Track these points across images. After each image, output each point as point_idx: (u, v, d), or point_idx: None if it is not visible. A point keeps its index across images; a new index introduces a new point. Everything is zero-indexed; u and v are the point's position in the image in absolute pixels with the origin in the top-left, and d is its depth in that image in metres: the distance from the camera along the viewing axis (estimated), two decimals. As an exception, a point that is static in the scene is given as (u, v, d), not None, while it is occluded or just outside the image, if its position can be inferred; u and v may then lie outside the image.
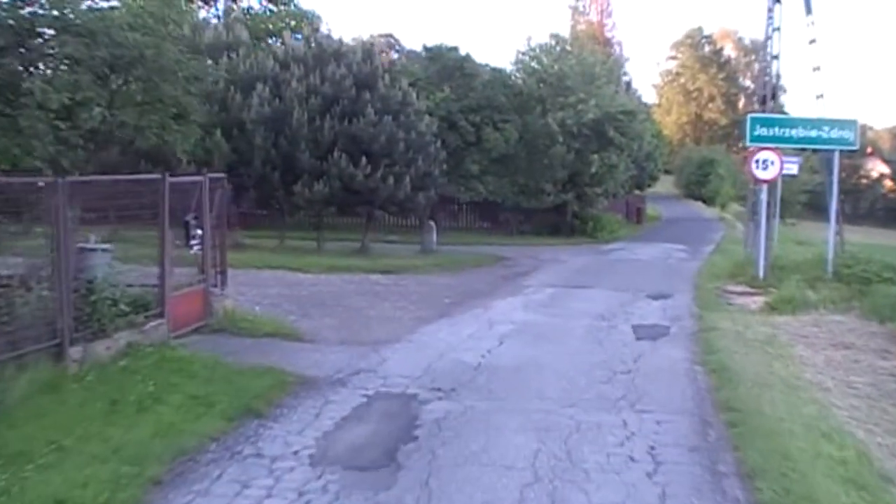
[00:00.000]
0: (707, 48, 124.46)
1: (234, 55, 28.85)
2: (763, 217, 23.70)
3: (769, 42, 25.63)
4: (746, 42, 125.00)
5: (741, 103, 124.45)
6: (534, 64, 42.00)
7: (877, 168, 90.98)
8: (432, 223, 31.15)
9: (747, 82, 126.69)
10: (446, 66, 40.34)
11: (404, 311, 18.08)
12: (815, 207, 67.55)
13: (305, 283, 21.64)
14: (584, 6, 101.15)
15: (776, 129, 23.22)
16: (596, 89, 40.74)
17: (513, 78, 42.37)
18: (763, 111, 25.80)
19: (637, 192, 63.13)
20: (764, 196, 23.86)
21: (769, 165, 23.00)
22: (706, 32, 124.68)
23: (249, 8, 44.89)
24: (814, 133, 23.21)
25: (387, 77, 28.48)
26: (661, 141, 76.05)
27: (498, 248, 34.81)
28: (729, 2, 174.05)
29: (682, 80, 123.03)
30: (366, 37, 40.32)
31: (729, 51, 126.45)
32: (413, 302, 19.36)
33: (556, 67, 41.36)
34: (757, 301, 20.65)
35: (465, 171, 39.71)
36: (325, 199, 27.13)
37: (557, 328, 16.32)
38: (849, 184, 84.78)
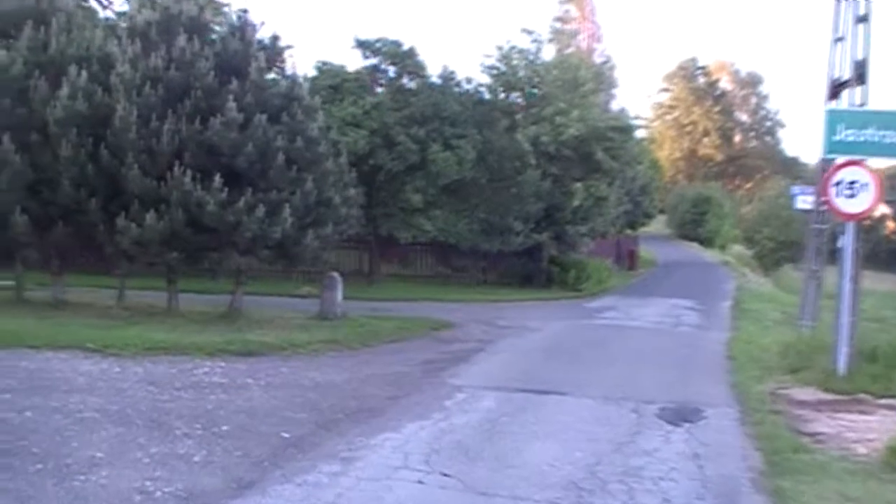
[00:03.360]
0: (702, 80, 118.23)
1: (43, 27, 19.57)
2: (847, 277, 14.34)
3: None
4: (743, 74, 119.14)
5: (737, 139, 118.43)
6: (500, 65, 32.88)
7: (878, 209, 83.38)
8: (335, 275, 21.53)
9: (744, 116, 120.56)
10: (382, 64, 31.25)
11: (175, 470, 8.63)
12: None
13: (61, 388, 12.03)
14: (571, 29, 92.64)
15: (875, 131, 13.85)
16: (580, 99, 31.69)
17: (472, 82, 33.17)
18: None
19: (629, 231, 54.10)
20: (849, 241, 14.40)
21: (860, 190, 13.75)
22: (700, 63, 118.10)
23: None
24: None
25: (262, 58, 19.06)
26: (658, 172, 67.36)
27: (445, 308, 25.67)
28: (724, 33, 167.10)
29: (676, 113, 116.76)
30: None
31: (725, 84, 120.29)
32: (216, 439, 9.87)
33: (528, 70, 32.33)
34: (861, 431, 11.29)
35: (406, 202, 30.50)
36: (161, 239, 17.77)
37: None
38: (849, 225, 77.26)
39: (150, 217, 17.49)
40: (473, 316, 24.19)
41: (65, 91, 18.23)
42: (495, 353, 17.77)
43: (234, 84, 18.43)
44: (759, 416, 12.04)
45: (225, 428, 10.45)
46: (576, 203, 32.88)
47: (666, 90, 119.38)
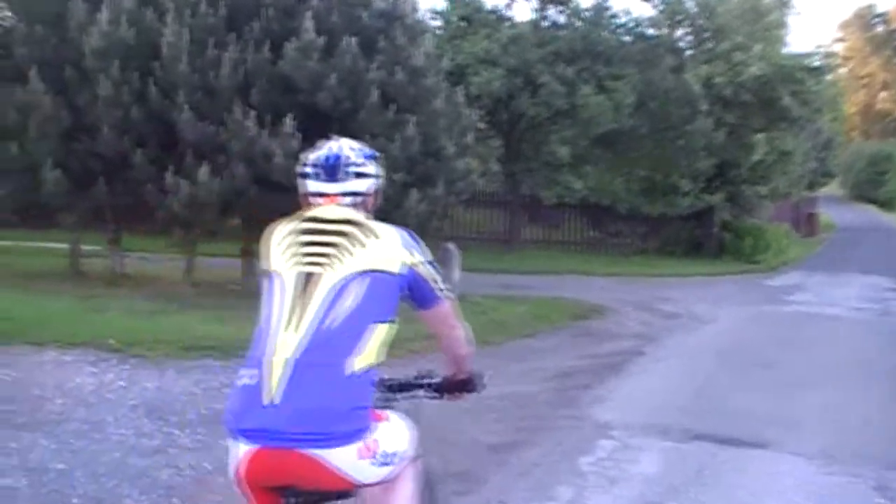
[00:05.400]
0: (880, 28, 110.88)
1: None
2: None
3: None
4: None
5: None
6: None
7: None
8: (451, 247, 17.00)
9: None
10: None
11: None
12: None
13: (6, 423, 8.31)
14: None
15: None
16: (763, 32, 26.62)
17: (630, 14, 28.42)
18: None
19: (806, 192, 48.39)
20: None
21: None
22: (879, 11, 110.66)
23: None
24: None
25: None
26: (842, 125, 61.03)
27: (595, 284, 21.23)
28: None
29: (851, 64, 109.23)
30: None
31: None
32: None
33: (699, -1, 27.48)
34: None
35: (551, 155, 26.10)
36: (220, 201, 13.75)
37: None
38: None
39: (202, 172, 13.42)
40: (630, 296, 19.63)
41: (105, 15, 14.26)
42: (658, 359, 13.11)
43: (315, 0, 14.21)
44: None
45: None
46: (755, 158, 27.83)
47: (840, 40, 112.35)
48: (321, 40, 13.77)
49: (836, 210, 58.43)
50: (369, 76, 14.10)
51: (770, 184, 30.31)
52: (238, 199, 13.84)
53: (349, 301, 3.27)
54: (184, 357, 10.93)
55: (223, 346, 11.35)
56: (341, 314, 3.24)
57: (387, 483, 3.44)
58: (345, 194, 3.69)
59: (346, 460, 3.15)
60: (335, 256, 3.38)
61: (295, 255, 3.42)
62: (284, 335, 3.21)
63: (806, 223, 45.44)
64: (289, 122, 13.34)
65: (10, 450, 7.21)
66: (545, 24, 27.26)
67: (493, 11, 27.08)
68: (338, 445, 3.12)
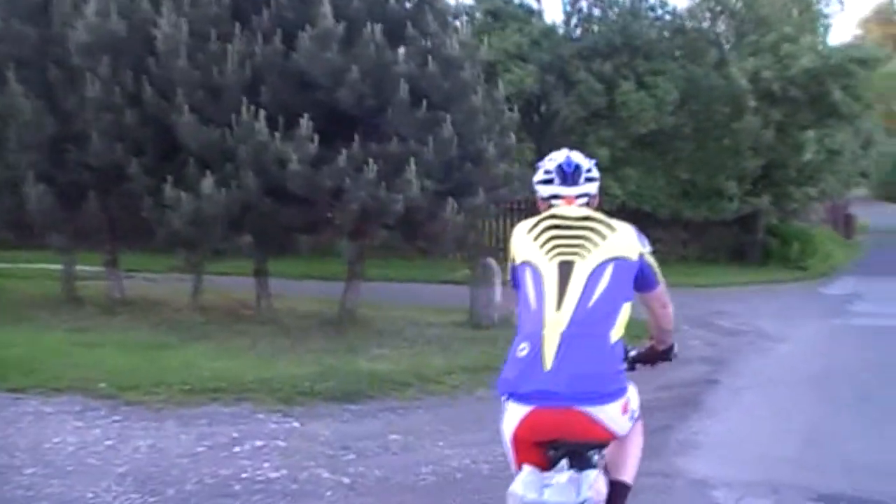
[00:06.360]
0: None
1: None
2: None
3: None
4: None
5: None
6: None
7: None
8: (491, 262, 14.85)
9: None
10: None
11: None
12: None
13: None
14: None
15: None
16: (810, 23, 24.94)
17: (666, 6, 26.79)
18: None
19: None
20: None
21: None
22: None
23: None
24: None
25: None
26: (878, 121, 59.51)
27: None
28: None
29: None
30: None
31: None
32: None
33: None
34: None
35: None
36: (228, 215, 12.03)
37: None
38: None
39: (206, 183, 11.67)
40: (682, 310, 17.43)
41: (92, 6, 12.59)
42: (738, 389, 11.21)
43: (335, -17, 12.47)
44: None
45: None
46: (805, 157, 25.99)
47: (860, 37, 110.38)
48: (341, 28, 12.02)
49: (864, 210, 56.80)
50: (397, 69, 12.30)
51: (819, 185, 28.57)
52: (248, 212, 12.12)
53: (603, 284, 3.74)
54: (187, 403, 9.31)
55: (233, 387, 9.77)
56: (598, 294, 3.71)
57: (625, 435, 3.94)
58: (580, 196, 4.18)
59: (612, 415, 3.65)
60: (585, 247, 3.83)
61: (549, 248, 3.86)
62: (554, 314, 3.66)
63: (843, 225, 43.75)
64: (305, 124, 11.59)
65: None
66: (577, 17, 25.78)
67: (522, 5, 25.63)
68: (607, 402, 3.63)
